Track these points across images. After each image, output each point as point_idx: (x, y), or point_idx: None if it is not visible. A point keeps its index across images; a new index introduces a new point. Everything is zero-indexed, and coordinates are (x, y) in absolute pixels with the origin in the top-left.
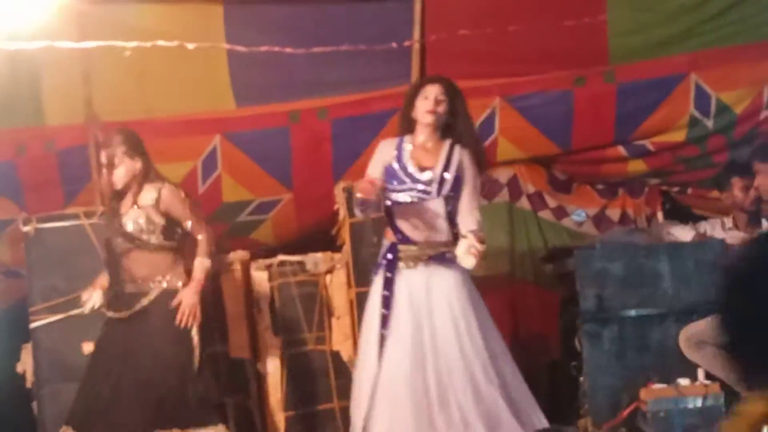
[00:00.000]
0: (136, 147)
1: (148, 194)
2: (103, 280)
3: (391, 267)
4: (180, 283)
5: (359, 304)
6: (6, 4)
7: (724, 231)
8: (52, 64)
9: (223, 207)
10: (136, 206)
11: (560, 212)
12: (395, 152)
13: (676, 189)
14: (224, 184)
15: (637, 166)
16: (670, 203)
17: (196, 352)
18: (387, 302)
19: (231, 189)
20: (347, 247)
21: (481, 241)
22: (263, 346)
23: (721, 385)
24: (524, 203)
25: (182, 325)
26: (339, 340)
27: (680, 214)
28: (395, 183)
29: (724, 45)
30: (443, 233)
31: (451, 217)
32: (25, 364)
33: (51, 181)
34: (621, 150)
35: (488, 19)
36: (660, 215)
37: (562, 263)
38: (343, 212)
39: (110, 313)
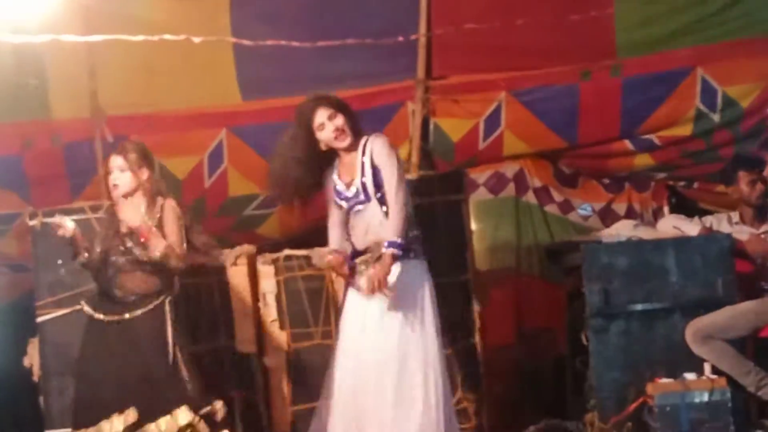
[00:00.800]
0: (145, 158)
1: (154, 210)
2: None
3: (350, 277)
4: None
5: None
6: None
7: (730, 225)
8: (58, 57)
9: (229, 201)
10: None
11: (566, 206)
12: (332, 177)
13: (682, 183)
14: (230, 178)
15: (644, 160)
16: (676, 197)
17: (174, 356)
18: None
19: (237, 183)
20: None
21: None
22: (269, 341)
23: (727, 379)
24: (530, 197)
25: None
26: None
27: (686, 208)
28: (340, 204)
29: (730, 39)
30: (386, 235)
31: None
32: (32, 358)
33: (57, 175)
34: (627, 144)
35: (495, 12)
36: (666, 209)
37: (568, 257)
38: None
39: (99, 315)
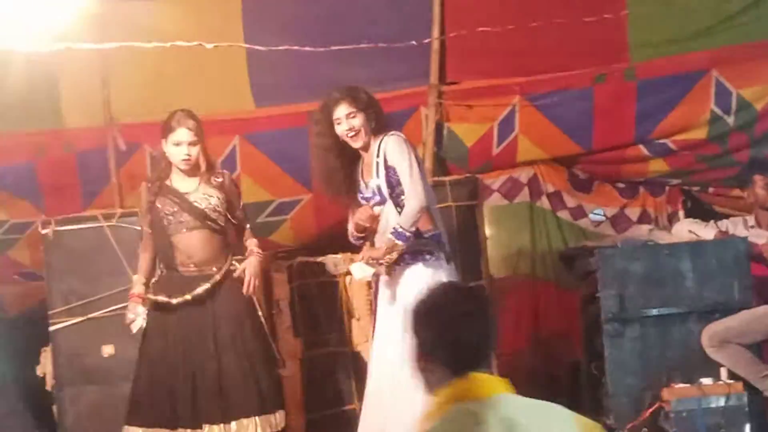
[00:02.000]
0: (203, 133)
1: (216, 178)
2: (139, 285)
3: (376, 279)
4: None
5: None
6: (24, 6)
7: (746, 229)
8: (71, 66)
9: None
10: (206, 185)
11: (578, 212)
12: (357, 177)
13: (697, 188)
14: (244, 184)
15: (658, 165)
16: (691, 201)
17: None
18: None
19: (250, 190)
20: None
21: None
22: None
23: (744, 384)
24: (544, 203)
25: (247, 293)
26: (359, 341)
27: (702, 212)
28: (362, 202)
29: (745, 41)
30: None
31: None
32: (45, 367)
33: (70, 183)
34: (642, 149)
35: (508, 15)
36: (681, 213)
37: (583, 263)
38: None
39: (165, 299)
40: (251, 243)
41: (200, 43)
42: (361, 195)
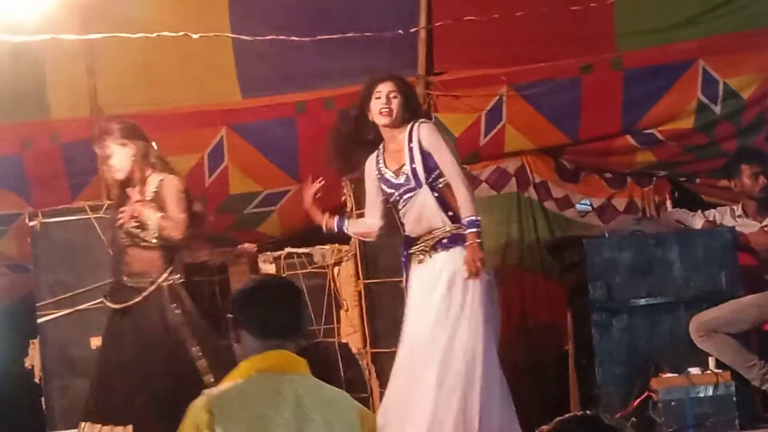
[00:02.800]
0: (129, 134)
1: (151, 188)
2: None
3: (406, 266)
4: (177, 278)
5: (368, 295)
6: None
7: (734, 218)
8: (57, 56)
9: (230, 199)
10: (138, 201)
11: (564, 202)
12: (376, 166)
13: (684, 178)
14: (231, 176)
15: (646, 157)
16: (679, 191)
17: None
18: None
19: (238, 181)
20: (355, 239)
21: (477, 237)
22: None
23: (732, 373)
24: (532, 193)
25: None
26: (347, 332)
27: (689, 201)
28: (388, 193)
29: (731, 31)
30: (439, 220)
31: (442, 200)
32: (33, 359)
33: (57, 174)
34: (629, 140)
35: (494, 3)
36: (669, 203)
37: (570, 253)
38: (350, 203)
39: (109, 304)
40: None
41: (186, 34)
42: (389, 185)
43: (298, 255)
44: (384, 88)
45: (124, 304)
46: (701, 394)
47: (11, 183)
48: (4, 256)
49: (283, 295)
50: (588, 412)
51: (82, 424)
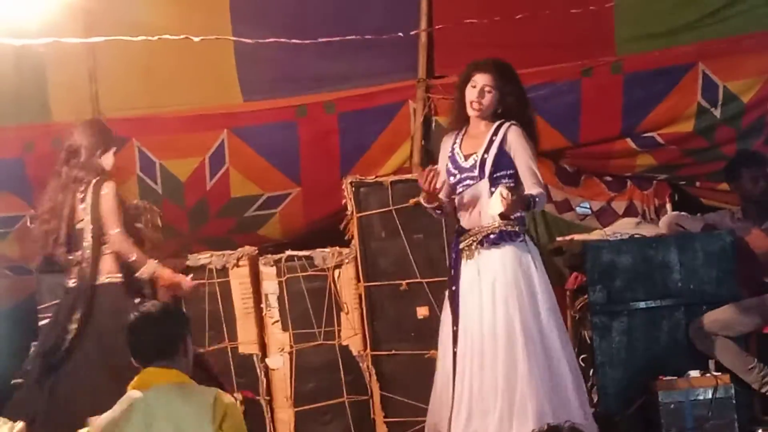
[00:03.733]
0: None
1: (88, 197)
2: None
3: (456, 262)
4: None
5: (368, 298)
6: (12, 0)
7: (733, 222)
8: (58, 60)
9: (231, 202)
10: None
11: (564, 206)
12: (452, 144)
13: (683, 183)
14: (232, 179)
15: (646, 160)
16: (678, 194)
17: None
18: (454, 306)
19: (239, 184)
20: (355, 242)
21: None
22: (272, 342)
23: (731, 376)
24: None
25: None
26: (348, 335)
27: (689, 205)
28: (451, 174)
29: (731, 34)
30: (490, 217)
31: None
32: None
33: None
34: (629, 143)
35: (495, 7)
36: (669, 206)
37: (570, 256)
38: (351, 206)
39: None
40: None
41: (188, 37)
42: (455, 165)
43: (299, 258)
44: (480, 80)
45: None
46: (701, 397)
47: (13, 185)
48: (6, 258)
49: (146, 325)
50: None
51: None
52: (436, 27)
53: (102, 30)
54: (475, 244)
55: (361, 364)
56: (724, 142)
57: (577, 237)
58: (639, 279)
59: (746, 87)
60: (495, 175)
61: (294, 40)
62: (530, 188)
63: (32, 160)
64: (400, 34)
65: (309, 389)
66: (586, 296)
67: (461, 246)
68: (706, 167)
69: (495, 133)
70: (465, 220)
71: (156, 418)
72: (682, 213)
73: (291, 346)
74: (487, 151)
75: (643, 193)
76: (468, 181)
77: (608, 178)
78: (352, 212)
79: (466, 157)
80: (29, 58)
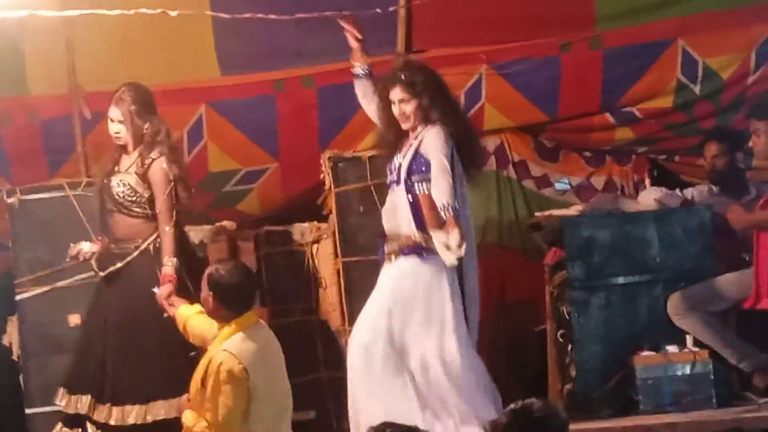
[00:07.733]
0: (147, 107)
1: (145, 162)
2: (105, 241)
3: (381, 260)
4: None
5: (346, 273)
6: None
7: (711, 197)
8: (35, 33)
9: (209, 177)
10: (128, 171)
11: (543, 181)
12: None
13: (663, 156)
14: (210, 153)
15: (625, 134)
16: (657, 170)
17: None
18: None
19: (217, 158)
20: (333, 217)
21: (453, 225)
22: None
23: (709, 351)
24: (511, 172)
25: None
26: (326, 310)
27: (668, 180)
28: (388, 173)
29: (711, 10)
30: (405, 224)
31: (415, 206)
32: (11, 336)
33: (35, 151)
34: (608, 117)
35: None
36: (648, 182)
37: (549, 231)
38: (329, 181)
39: (95, 270)
40: (165, 257)
41: (165, 11)
42: (389, 167)
43: (277, 233)
44: (395, 95)
45: (109, 270)
46: (679, 373)
47: None
48: None
49: (245, 280)
50: (526, 401)
51: (61, 389)
52: (415, 2)
53: (78, 3)
54: (394, 255)
55: (339, 340)
56: (703, 117)
57: (555, 212)
58: (617, 254)
59: (726, 63)
60: (411, 178)
61: (272, 15)
62: (437, 196)
63: (9, 134)
64: (378, 10)
65: (287, 365)
66: (564, 272)
67: (386, 250)
68: (685, 141)
69: (416, 137)
70: (386, 223)
71: (276, 346)
72: (661, 188)
73: (269, 322)
74: (404, 155)
75: (622, 168)
76: (392, 185)
77: (587, 154)
78: (330, 187)
79: (394, 161)
80: (5, 31)
